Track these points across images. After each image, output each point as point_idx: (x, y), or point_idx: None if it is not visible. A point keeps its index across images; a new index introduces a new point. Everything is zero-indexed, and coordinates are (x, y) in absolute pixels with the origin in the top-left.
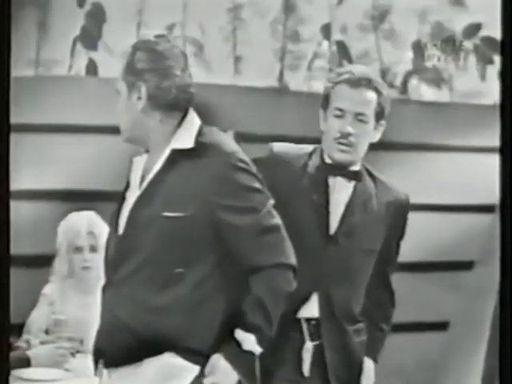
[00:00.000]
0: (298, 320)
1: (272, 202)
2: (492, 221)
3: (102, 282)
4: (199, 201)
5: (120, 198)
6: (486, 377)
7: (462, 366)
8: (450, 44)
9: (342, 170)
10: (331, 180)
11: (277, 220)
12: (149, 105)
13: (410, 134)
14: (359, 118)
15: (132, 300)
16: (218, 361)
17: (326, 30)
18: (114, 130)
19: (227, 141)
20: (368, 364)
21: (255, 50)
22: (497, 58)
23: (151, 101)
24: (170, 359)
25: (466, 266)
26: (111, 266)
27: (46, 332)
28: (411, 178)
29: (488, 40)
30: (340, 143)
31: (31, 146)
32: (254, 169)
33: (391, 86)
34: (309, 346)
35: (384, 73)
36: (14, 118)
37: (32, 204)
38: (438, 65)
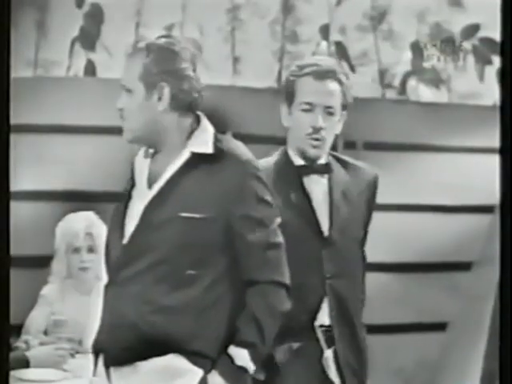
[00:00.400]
0: (313, 329)
1: (279, 220)
2: (491, 221)
3: (101, 282)
4: (216, 205)
5: (126, 196)
6: (484, 376)
7: (460, 366)
8: (449, 45)
9: (313, 167)
10: (306, 180)
11: (280, 239)
12: (169, 106)
13: (409, 134)
14: (328, 110)
15: (141, 299)
16: (213, 377)
17: (325, 31)
18: (113, 131)
19: (242, 148)
20: None
21: (254, 51)
22: (495, 59)
23: (172, 102)
24: (174, 360)
25: (465, 266)
26: (116, 264)
27: (45, 333)
28: (410, 179)
29: (486, 41)
30: (313, 139)
31: (31, 147)
32: (265, 178)
33: (390, 86)
34: (329, 354)
35: (383, 73)
36: (13, 119)
37: (32, 204)
38: (436, 65)
